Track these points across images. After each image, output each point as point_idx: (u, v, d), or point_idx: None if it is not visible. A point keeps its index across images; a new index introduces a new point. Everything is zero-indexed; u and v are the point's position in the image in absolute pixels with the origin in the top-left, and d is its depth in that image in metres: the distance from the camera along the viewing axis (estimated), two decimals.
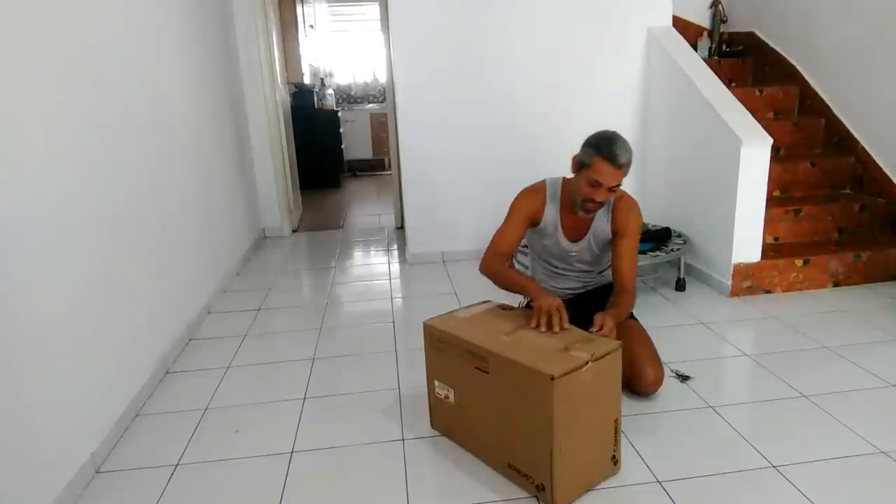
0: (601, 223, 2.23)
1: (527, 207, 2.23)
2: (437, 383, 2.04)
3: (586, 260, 2.32)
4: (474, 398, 1.90)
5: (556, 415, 1.62)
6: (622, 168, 2.02)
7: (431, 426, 2.12)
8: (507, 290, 2.21)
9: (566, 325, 1.88)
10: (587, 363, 1.66)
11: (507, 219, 2.25)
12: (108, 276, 2.21)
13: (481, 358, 1.81)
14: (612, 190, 2.06)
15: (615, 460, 1.83)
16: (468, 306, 2.17)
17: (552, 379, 1.59)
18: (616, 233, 2.22)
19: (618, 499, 1.76)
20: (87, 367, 2.02)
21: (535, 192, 2.25)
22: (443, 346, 1.97)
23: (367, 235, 4.99)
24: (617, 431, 1.80)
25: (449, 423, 2.06)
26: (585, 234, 2.25)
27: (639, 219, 2.24)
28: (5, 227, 1.65)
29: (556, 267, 2.37)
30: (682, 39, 3.85)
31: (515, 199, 2.26)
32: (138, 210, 2.52)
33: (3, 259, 1.63)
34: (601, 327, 1.89)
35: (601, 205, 2.11)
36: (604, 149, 2.00)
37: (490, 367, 1.80)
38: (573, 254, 2.28)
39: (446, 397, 2.01)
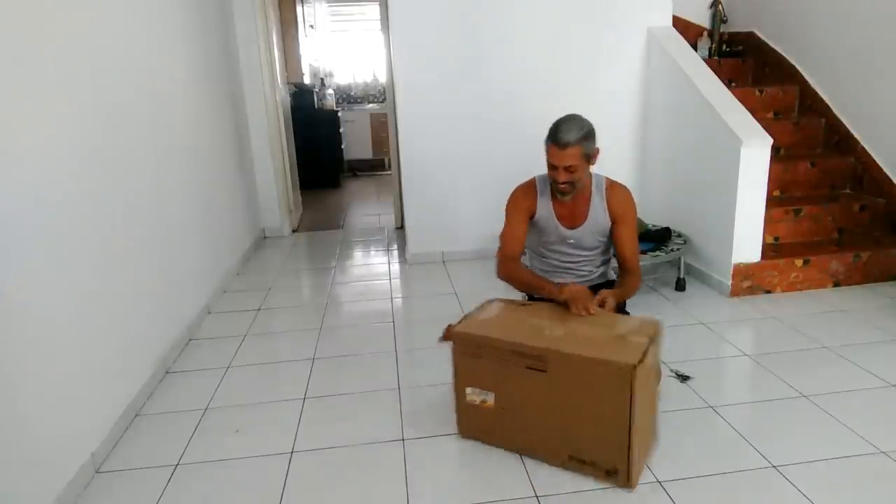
0: (598, 213, 2.27)
1: (521, 203, 2.29)
2: (469, 390, 2.00)
3: (586, 248, 2.32)
4: (523, 397, 1.89)
5: (635, 401, 1.68)
6: (567, 147, 2.08)
7: (459, 433, 2.09)
8: (526, 291, 2.28)
9: (595, 308, 2.01)
10: (648, 347, 1.74)
11: (507, 220, 2.31)
12: (108, 276, 2.21)
13: (536, 357, 1.81)
14: (568, 170, 2.11)
15: (656, 437, 1.97)
16: (478, 308, 2.15)
17: (634, 367, 1.65)
18: (614, 221, 2.28)
19: (618, 499, 1.76)
20: (87, 368, 2.02)
21: (525, 189, 2.31)
22: (480, 351, 1.93)
23: (367, 235, 4.99)
24: (656, 405, 1.96)
25: (484, 426, 2.02)
26: (583, 222, 2.27)
27: (632, 203, 2.30)
28: (5, 227, 1.65)
29: (554, 262, 2.37)
30: (682, 39, 3.85)
31: (509, 198, 2.33)
32: (138, 210, 2.52)
33: (3, 259, 1.63)
34: (602, 304, 2.03)
35: (568, 185, 2.16)
36: (550, 132, 2.13)
37: (549, 365, 1.80)
38: (572, 241, 2.29)
39: (483, 402, 1.98)
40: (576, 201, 2.24)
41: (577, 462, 1.84)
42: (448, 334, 2.01)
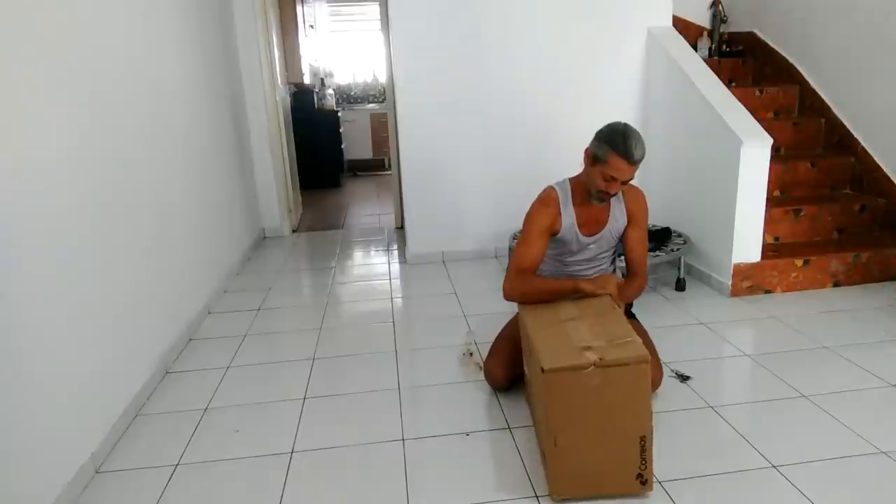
0: (617, 215, 2.26)
1: (544, 221, 2.19)
2: (524, 360, 2.17)
3: (602, 252, 2.32)
4: (530, 377, 2.03)
5: (548, 405, 1.69)
6: (638, 163, 2.04)
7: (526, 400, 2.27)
8: (544, 301, 2.09)
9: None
10: (591, 366, 1.65)
11: (525, 236, 2.20)
12: (108, 277, 2.21)
13: (527, 342, 1.91)
14: (625, 182, 2.09)
15: (643, 480, 1.73)
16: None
17: (542, 371, 1.66)
18: (628, 221, 2.27)
19: (617, 498, 1.76)
20: (87, 368, 2.02)
21: (547, 205, 2.20)
22: (522, 330, 2.09)
23: (367, 235, 4.99)
24: (644, 450, 1.70)
25: (527, 396, 2.24)
26: (603, 227, 2.25)
27: (646, 205, 2.31)
28: (5, 227, 1.65)
29: (572, 268, 2.36)
30: (682, 39, 3.85)
31: (529, 214, 2.22)
32: (138, 210, 2.52)
33: (3, 259, 1.63)
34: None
35: (615, 195, 2.15)
36: (619, 145, 2.00)
37: (531, 350, 1.88)
38: (592, 247, 2.28)
39: (527, 374, 2.15)
40: (598, 207, 2.22)
41: (542, 454, 1.91)
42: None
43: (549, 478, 1.77)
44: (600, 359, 1.66)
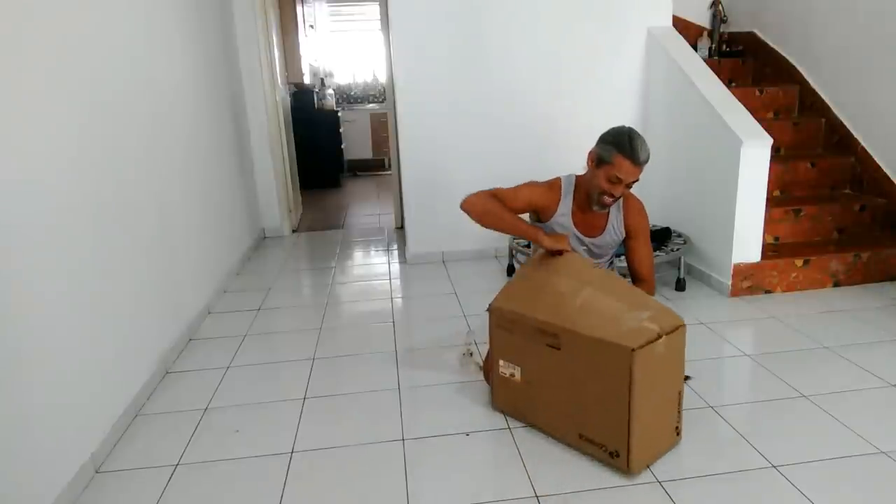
0: (615, 226, 2.27)
1: (539, 197, 2.23)
2: (501, 362, 2.11)
3: (596, 256, 2.33)
4: (543, 374, 1.98)
5: (634, 384, 1.72)
6: (642, 166, 2.05)
7: (492, 406, 2.21)
8: (495, 228, 2.15)
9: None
10: (660, 337, 1.74)
11: (517, 191, 2.20)
12: (108, 276, 2.21)
13: (553, 335, 1.89)
14: (629, 185, 2.09)
15: (678, 431, 1.94)
16: (524, 266, 2.22)
17: (632, 351, 1.69)
18: (629, 234, 2.28)
19: (618, 498, 1.76)
20: (87, 367, 2.02)
21: (550, 189, 2.25)
22: (512, 326, 2.04)
23: (367, 235, 4.99)
24: (679, 402, 1.91)
25: (513, 400, 2.13)
26: (599, 234, 2.26)
27: (646, 216, 2.32)
28: (5, 227, 1.65)
29: None
30: (682, 39, 3.85)
31: (533, 183, 2.25)
32: (138, 210, 2.52)
33: (3, 259, 1.63)
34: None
35: (617, 199, 2.15)
36: (625, 147, 2.03)
37: (562, 343, 1.87)
38: (584, 248, 2.29)
39: (511, 375, 2.09)
40: (596, 213, 2.22)
41: (587, 441, 1.90)
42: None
43: (632, 454, 1.78)
44: (661, 328, 1.76)
